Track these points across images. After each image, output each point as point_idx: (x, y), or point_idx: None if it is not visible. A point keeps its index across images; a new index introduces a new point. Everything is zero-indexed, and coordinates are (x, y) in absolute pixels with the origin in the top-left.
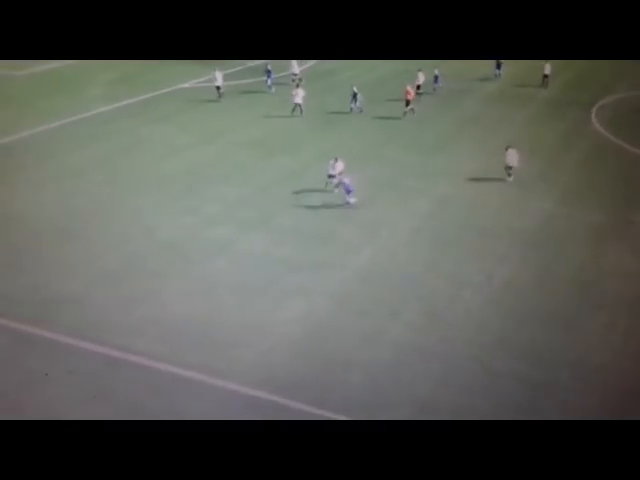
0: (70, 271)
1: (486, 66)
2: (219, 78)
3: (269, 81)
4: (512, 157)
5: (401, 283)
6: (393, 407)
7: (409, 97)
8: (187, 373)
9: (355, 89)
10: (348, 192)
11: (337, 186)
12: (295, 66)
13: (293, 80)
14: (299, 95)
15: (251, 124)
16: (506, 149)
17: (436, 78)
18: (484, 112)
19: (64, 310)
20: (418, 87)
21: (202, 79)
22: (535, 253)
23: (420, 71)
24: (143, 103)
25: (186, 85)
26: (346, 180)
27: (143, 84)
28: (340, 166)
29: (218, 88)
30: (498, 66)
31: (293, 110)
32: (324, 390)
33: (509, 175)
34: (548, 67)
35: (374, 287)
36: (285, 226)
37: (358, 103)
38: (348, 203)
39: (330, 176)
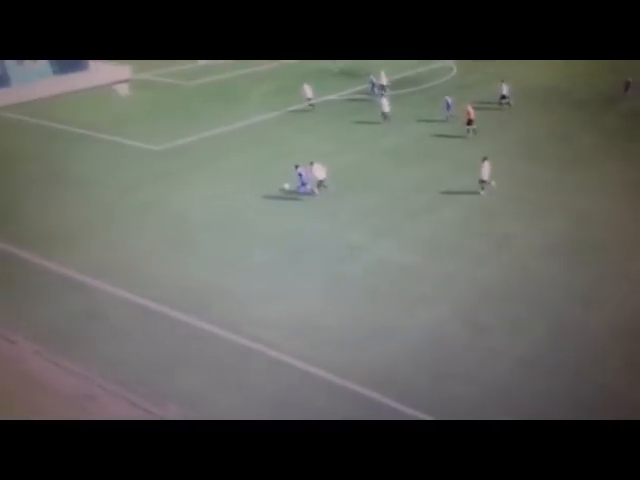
0: (222, 264)
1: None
2: (308, 91)
3: (376, 90)
4: (485, 170)
5: (528, 299)
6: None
7: (470, 116)
8: (314, 369)
9: (448, 99)
10: (302, 184)
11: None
12: (383, 77)
13: (378, 91)
14: (385, 105)
15: (386, 135)
16: (482, 161)
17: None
18: (620, 128)
19: (214, 300)
20: (503, 97)
21: (346, 92)
22: None
23: (503, 82)
24: (294, 113)
25: (333, 97)
26: (302, 172)
27: (296, 96)
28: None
29: (309, 100)
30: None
31: (384, 118)
32: (437, 400)
33: (482, 188)
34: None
35: (499, 301)
36: (415, 235)
37: (451, 111)
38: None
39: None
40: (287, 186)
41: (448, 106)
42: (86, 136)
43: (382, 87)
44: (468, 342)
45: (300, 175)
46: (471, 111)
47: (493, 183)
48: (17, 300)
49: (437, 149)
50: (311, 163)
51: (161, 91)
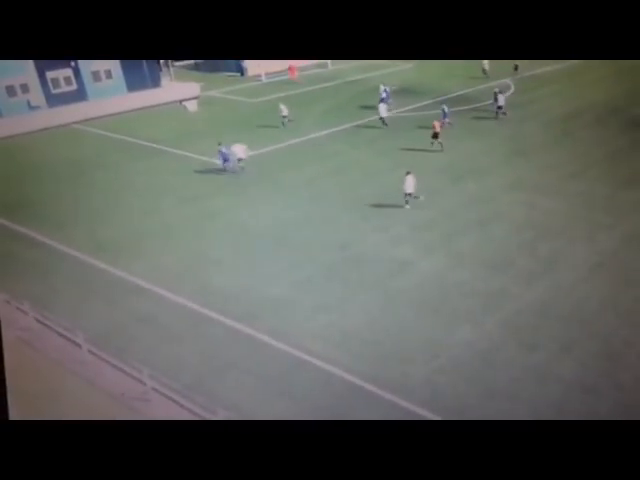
0: (274, 275)
1: None
2: (383, 110)
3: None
4: (409, 183)
5: (576, 319)
6: None
7: (435, 130)
8: (359, 381)
9: (445, 107)
10: (225, 161)
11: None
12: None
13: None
14: (383, 110)
15: (441, 151)
16: (406, 174)
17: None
18: None
19: (266, 311)
20: (499, 107)
21: (401, 110)
22: None
23: (500, 93)
24: (348, 130)
25: (388, 114)
26: (224, 150)
27: (352, 113)
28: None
29: (284, 117)
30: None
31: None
32: (485, 418)
33: (407, 202)
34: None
35: (547, 320)
36: (465, 251)
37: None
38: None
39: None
40: (218, 162)
41: (445, 114)
42: (154, 149)
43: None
44: (516, 360)
45: (221, 152)
46: (437, 126)
47: (422, 197)
48: (80, 302)
49: (489, 165)
50: (231, 144)
51: (226, 107)
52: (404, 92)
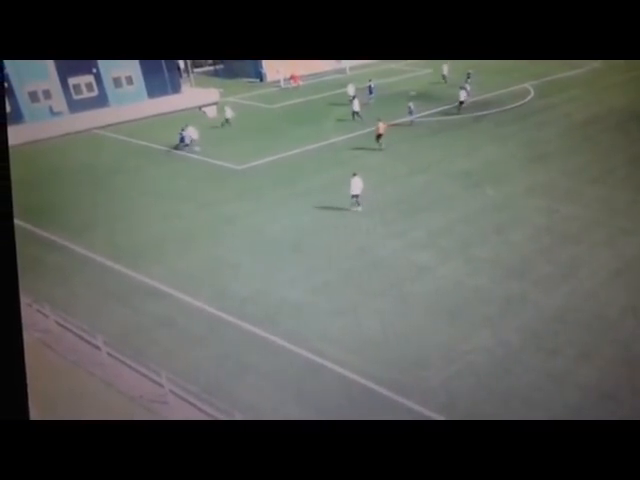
0: (292, 279)
1: None
2: (356, 105)
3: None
4: (356, 185)
5: (597, 325)
6: None
7: (379, 132)
8: (374, 386)
9: (411, 105)
10: (182, 140)
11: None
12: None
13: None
14: (356, 105)
15: (460, 156)
16: (352, 176)
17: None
18: None
19: (283, 315)
20: (461, 103)
21: (419, 115)
22: None
23: (462, 89)
24: (367, 135)
25: (407, 119)
26: (184, 134)
27: (368, 119)
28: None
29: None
30: None
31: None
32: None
33: (357, 204)
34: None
35: (566, 326)
36: (482, 257)
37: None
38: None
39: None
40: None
41: (411, 111)
42: (173, 154)
43: (353, 97)
44: (534, 366)
45: (181, 134)
46: (381, 127)
47: (359, 208)
48: (99, 305)
49: (508, 171)
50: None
51: (245, 113)
52: (422, 97)
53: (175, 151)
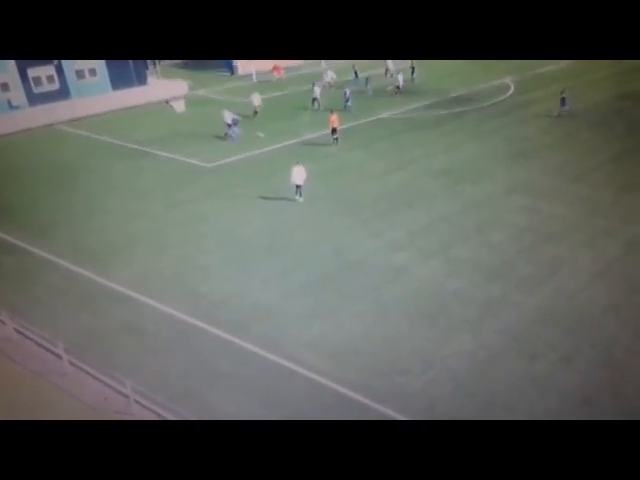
0: (265, 282)
1: None
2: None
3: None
4: (298, 174)
5: (578, 328)
6: None
7: (334, 125)
8: (350, 392)
9: (347, 91)
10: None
11: None
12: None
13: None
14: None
15: (440, 153)
16: (294, 165)
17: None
18: None
19: (256, 319)
20: (397, 87)
21: (398, 111)
22: None
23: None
24: (345, 132)
25: (384, 115)
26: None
27: (348, 115)
28: None
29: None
30: None
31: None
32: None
33: (299, 194)
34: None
35: (547, 329)
36: (463, 257)
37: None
38: None
39: None
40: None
41: (347, 98)
42: (139, 151)
43: (329, 83)
44: (515, 371)
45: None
46: (335, 120)
47: (301, 199)
48: (61, 311)
49: (489, 169)
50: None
51: (215, 108)
52: (403, 92)
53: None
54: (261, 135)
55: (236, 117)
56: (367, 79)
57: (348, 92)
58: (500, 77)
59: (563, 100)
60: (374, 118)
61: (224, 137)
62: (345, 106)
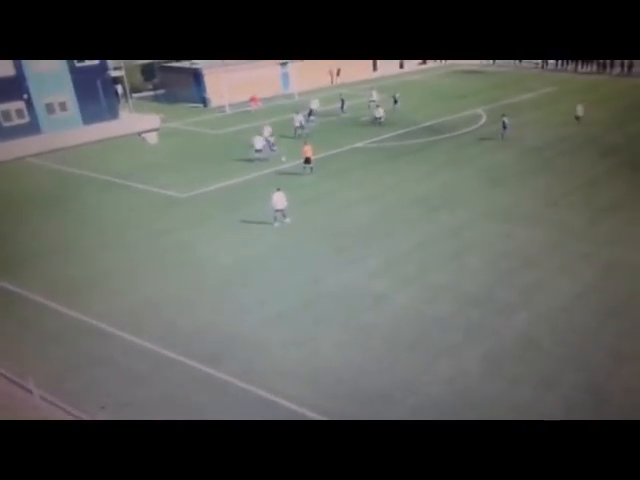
0: (241, 312)
1: None
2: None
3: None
4: (278, 200)
5: (558, 352)
6: None
7: (307, 155)
8: (329, 420)
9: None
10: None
11: None
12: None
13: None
14: (297, 120)
15: (416, 181)
16: (276, 191)
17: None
18: None
19: (231, 348)
20: (310, 113)
21: (373, 140)
22: None
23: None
24: (321, 160)
25: (359, 145)
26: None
27: (323, 144)
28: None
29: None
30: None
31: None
32: None
33: (284, 216)
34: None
35: (528, 354)
36: (441, 283)
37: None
38: None
39: None
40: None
41: (310, 114)
42: (112, 183)
43: (310, 111)
44: (496, 396)
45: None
46: (308, 150)
47: (288, 220)
48: (32, 345)
49: (464, 196)
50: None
51: (188, 139)
52: (379, 122)
53: (136, 182)
54: (283, 159)
55: (270, 139)
56: (343, 101)
57: (302, 119)
58: (472, 107)
59: (504, 123)
60: (349, 147)
61: (252, 160)
62: (295, 131)
